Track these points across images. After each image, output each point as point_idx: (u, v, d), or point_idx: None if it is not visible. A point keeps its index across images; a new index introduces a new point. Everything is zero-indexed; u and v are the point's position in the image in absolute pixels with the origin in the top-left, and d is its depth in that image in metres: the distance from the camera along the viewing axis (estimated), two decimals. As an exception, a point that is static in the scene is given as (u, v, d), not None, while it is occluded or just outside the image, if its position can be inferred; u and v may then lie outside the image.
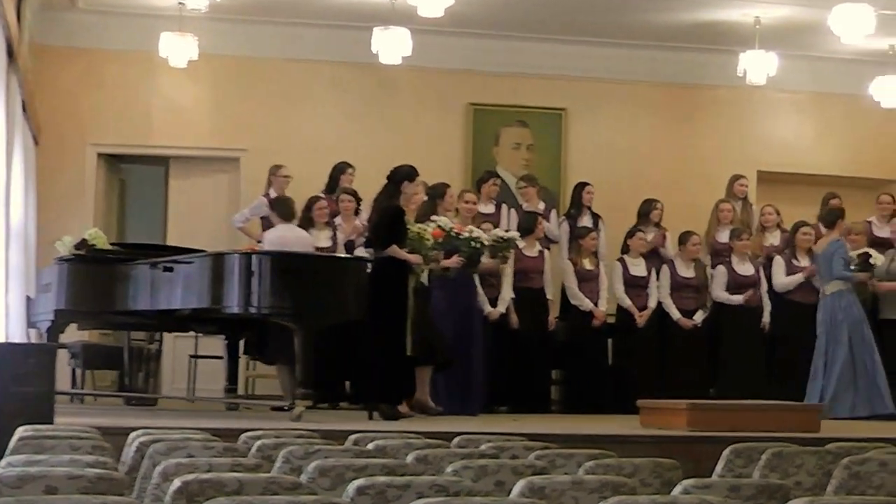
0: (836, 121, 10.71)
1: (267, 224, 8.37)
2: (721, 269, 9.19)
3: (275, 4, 9.57)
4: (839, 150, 10.71)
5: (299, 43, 9.94)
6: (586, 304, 8.93)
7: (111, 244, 8.21)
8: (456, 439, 4.68)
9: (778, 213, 9.66)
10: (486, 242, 8.13)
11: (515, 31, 9.95)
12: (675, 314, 9.05)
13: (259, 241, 8.10)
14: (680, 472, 3.72)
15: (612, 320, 9.12)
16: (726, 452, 4.24)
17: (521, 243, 8.74)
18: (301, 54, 9.95)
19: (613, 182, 9.91)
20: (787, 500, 3.06)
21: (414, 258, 7.33)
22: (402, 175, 7.44)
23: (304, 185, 9.08)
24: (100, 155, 9.86)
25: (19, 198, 7.73)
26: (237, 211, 9.34)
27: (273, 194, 9.00)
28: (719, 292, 9.14)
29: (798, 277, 9.09)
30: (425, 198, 8.11)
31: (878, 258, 8.98)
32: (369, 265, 7.31)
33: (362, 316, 7.02)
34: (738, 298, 9.07)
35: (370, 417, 7.17)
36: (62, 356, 8.03)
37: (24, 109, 7.92)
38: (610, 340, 9.20)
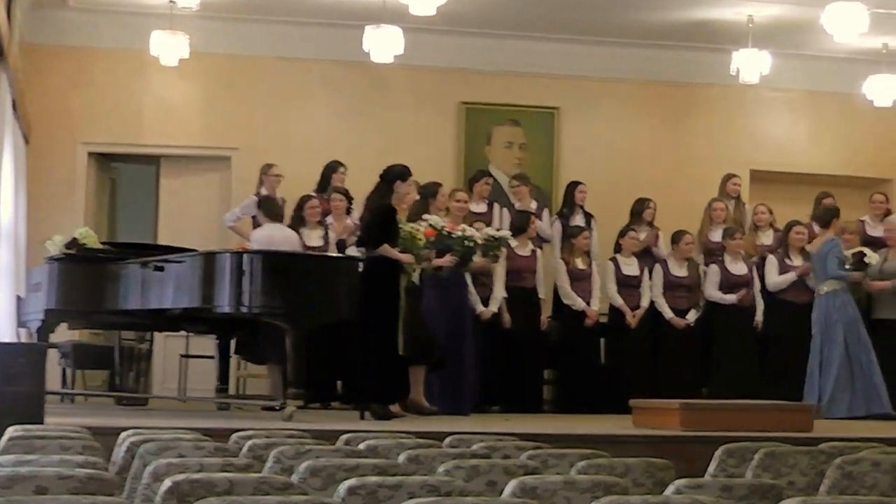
0: (830, 120, 10.71)
1: (257, 224, 8.35)
2: (714, 268, 9.19)
3: (266, 3, 9.55)
4: (832, 150, 10.71)
5: (291, 42, 9.91)
6: (578, 303, 8.93)
7: (102, 243, 8.17)
8: (448, 439, 4.67)
9: (771, 213, 9.66)
10: (479, 241, 8.12)
11: (508, 29, 9.94)
12: (668, 313, 9.05)
13: (250, 241, 8.08)
14: (672, 472, 3.71)
15: (604, 320, 9.12)
16: (719, 452, 4.23)
17: (513, 242, 8.73)
18: (293, 53, 9.93)
19: (606, 181, 9.90)
20: (780, 500, 3.05)
21: (405, 257, 7.32)
22: (394, 174, 7.42)
23: (295, 184, 9.07)
24: (90, 154, 9.84)
25: (9, 197, 7.71)
26: (228, 210, 9.32)
27: (264, 193, 8.99)
28: (712, 291, 9.13)
29: (791, 276, 9.09)
30: (417, 197, 8.10)
31: (872, 257, 8.98)
32: (361, 264, 7.29)
33: (354, 315, 7.01)
34: (731, 298, 9.06)
35: (362, 417, 7.15)
36: (52, 356, 8.00)
37: (14, 108, 7.90)
38: (602, 340, 9.19)
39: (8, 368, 5.73)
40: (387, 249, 7.23)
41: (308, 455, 3.72)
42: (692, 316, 9.09)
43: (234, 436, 4.61)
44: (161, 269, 7.10)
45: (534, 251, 8.94)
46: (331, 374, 8.00)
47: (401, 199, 7.48)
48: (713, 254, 9.35)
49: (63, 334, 8.47)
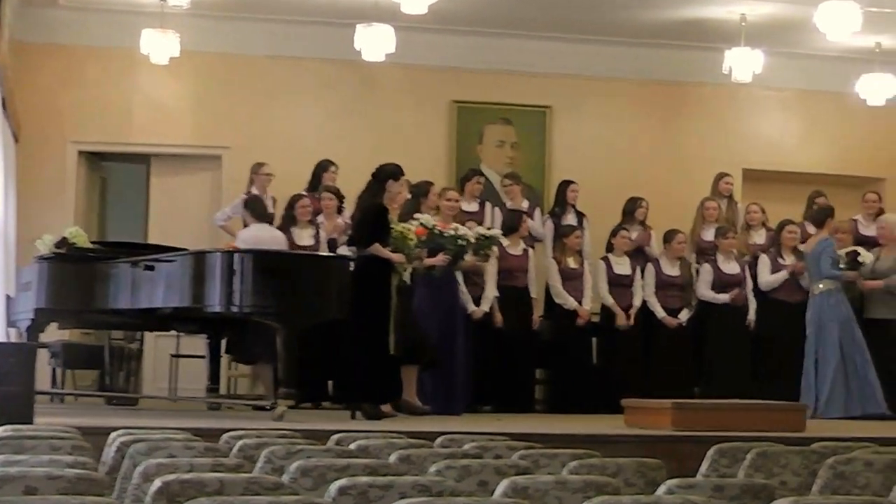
0: (822, 119, 10.71)
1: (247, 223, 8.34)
2: (707, 267, 9.18)
3: (257, 1, 9.53)
4: (825, 149, 10.72)
5: (282, 40, 9.89)
6: (570, 302, 8.92)
7: (92, 242, 8.15)
8: (439, 439, 4.66)
9: (763, 212, 9.66)
10: (471, 240, 8.11)
11: (499, 28, 9.92)
12: (660, 313, 9.04)
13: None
14: (664, 472, 3.70)
15: (596, 319, 9.11)
16: (711, 452, 4.23)
17: (505, 242, 8.72)
18: (284, 51, 9.90)
19: (598, 180, 9.89)
20: (772, 499, 3.04)
21: (397, 257, 7.30)
22: (386, 173, 7.41)
23: (286, 183, 9.05)
24: (80, 152, 9.81)
25: (-1, 196, 7.68)
26: (219, 209, 9.29)
27: (255, 192, 8.96)
28: (704, 291, 9.13)
29: (783, 275, 9.09)
30: (409, 196, 8.08)
31: (866, 256, 8.99)
32: (352, 263, 7.27)
33: (345, 315, 6.99)
34: (723, 297, 9.06)
35: (353, 417, 7.13)
36: (42, 356, 7.97)
37: (3, 107, 7.87)
38: (594, 339, 9.18)
39: (-2, 368, 5.71)
40: (378, 249, 7.22)
41: (299, 455, 3.71)
42: (684, 315, 9.09)
43: (225, 436, 4.59)
44: (151, 268, 7.07)
45: (525, 250, 8.92)
46: (322, 373, 7.97)
47: (392, 198, 7.46)
48: (705, 253, 9.35)
49: (53, 334, 8.44)
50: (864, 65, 9.84)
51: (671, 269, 9.17)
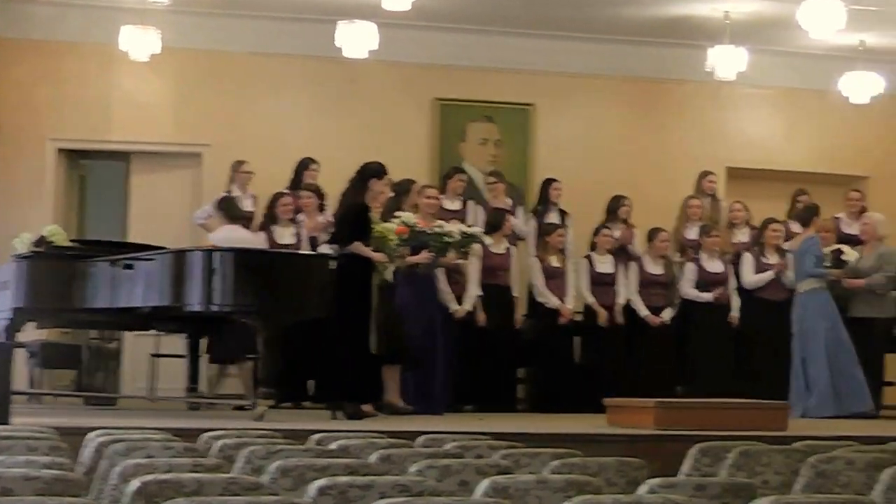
0: (806, 117, 10.72)
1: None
2: (690, 266, 9.18)
3: (239, -2, 9.49)
4: (809, 147, 10.73)
5: (264, 37, 9.84)
6: (552, 301, 8.90)
7: (71, 241, 8.09)
8: (420, 439, 4.64)
9: (747, 210, 9.66)
10: (456, 238, 8.09)
11: (483, 25, 9.90)
12: (643, 311, 9.03)
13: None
14: (645, 471, 3.69)
15: (579, 318, 9.09)
16: (693, 451, 4.22)
17: (487, 240, 8.70)
18: (265, 48, 9.85)
19: (581, 178, 9.87)
20: (753, 498, 3.03)
21: (378, 256, 7.27)
22: (370, 172, 7.39)
23: (268, 181, 9.00)
24: (59, 150, 9.74)
25: (-24, 194, 7.61)
26: (199, 207, 9.24)
27: (235, 191, 8.92)
28: (688, 289, 9.13)
29: (768, 275, 9.09)
30: (392, 194, 8.05)
31: (850, 254, 9.01)
32: (334, 262, 7.24)
33: (327, 313, 6.95)
34: (707, 296, 9.06)
35: (333, 417, 7.10)
36: (20, 355, 7.90)
37: (-20, 103, 7.79)
38: (577, 338, 9.16)
39: (-26, 368, 5.65)
40: (358, 247, 7.19)
41: (279, 455, 3.70)
42: (667, 314, 9.08)
43: (204, 436, 4.57)
44: (131, 267, 7.03)
45: (508, 249, 8.90)
46: (302, 373, 7.94)
47: (375, 196, 7.44)
48: (689, 251, 9.35)
49: (30, 333, 8.37)
50: (848, 62, 9.85)
51: (654, 268, 9.16)
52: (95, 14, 9.39)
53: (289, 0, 9.40)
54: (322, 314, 6.96)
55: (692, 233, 9.41)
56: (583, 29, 9.98)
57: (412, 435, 4.79)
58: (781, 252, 9.16)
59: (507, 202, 9.42)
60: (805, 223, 9.01)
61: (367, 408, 7.17)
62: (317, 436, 4.63)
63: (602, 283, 9.05)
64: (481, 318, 8.56)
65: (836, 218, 9.67)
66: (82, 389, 8.71)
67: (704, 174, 9.83)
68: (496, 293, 8.69)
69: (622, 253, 9.30)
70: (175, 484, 2.97)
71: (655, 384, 8.23)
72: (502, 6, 9.57)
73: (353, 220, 7.29)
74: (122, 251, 7.49)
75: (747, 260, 9.18)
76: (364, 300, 7.18)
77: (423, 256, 7.90)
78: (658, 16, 9.63)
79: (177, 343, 8.42)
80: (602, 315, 8.95)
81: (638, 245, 9.41)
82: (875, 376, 8.85)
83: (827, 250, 8.92)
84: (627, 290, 9.07)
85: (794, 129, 10.74)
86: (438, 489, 3.15)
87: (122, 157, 10.04)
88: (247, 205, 8.97)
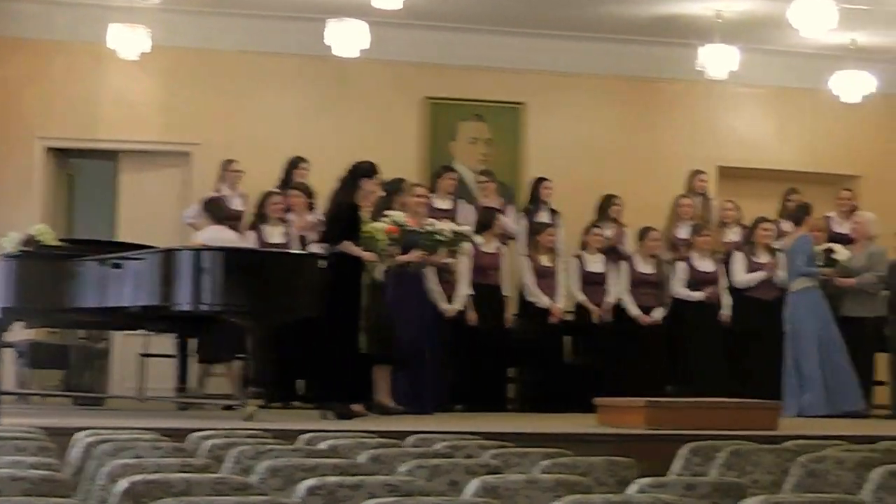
0: (797, 116, 10.73)
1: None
2: (681, 265, 9.18)
3: (228, -4, 9.46)
4: (800, 146, 10.73)
5: (254, 35, 9.81)
6: (543, 300, 8.89)
7: (59, 240, 8.06)
8: (410, 438, 4.63)
9: (738, 209, 9.67)
10: (447, 236, 8.08)
11: (473, 23, 9.89)
12: (634, 311, 9.03)
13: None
14: (635, 471, 3.68)
15: (570, 317, 9.08)
16: (683, 451, 4.22)
17: (478, 239, 8.69)
18: (255, 47, 9.83)
19: (572, 177, 9.86)
20: (743, 498, 3.02)
21: (368, 255, 7.26)
22: (361, 171, 7.38)
23: (257, 180, 8.98)
24: (47, 149, 9.70)
25: (-36, 193, 7.58)
26: (189, 206, 9.21)
27: (225, 190, 8.90)
28: (679, 289, 9.12)
29: (760, 274, 9.09)
30: (383, 193, 8.03)
31: (841, 253, 9.02)
32: (324, 261, 7.22)
33: (318, 312, 6.93)
34: (698, 295, 9.06)
35: (323, 417, 7.08)
36: (8, 355, 7.87)
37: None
38: (567, 338, 9.15)
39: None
40: (348, 246, 7.17)
41: (268, 455, 3.69)
42: (658, 313, 9.08)
43: (193, 436, 4.55)
44: (119, 266, 7.00)
45: (499, 248, 8.89)
46: (292, 372, 7.92)
47: (365, 196, 7.43)
48: (679, 250, 9.35)
49: (18, 333, 8.34)
50: (839, 62, 9.86)
51: (645, 267, 9.16)
52: (84, 12, 9.35)
53: (279, -2, 9.38)
54: (312, 314, 6.93)
55: (683, 232, 9.40)
56: (574, 28, 9.97)
57: (402, 435, 4.78)
58: (772, 251, 9.17)
59: (497, 201, 9.41)
60: (798, 222, 9.02)
61: (356, 408, 7.15)
62: (306, 436, 4.62)
63: (593, 283, 9.04)
64: (472, 317, 8.54)
65: (827, 217, 9.68)
66: (70, 389, 8.67)
67: (695, 173, 9.83)
68: (487, 292, 8.67)
69: (613, 252, 9.30)
70: (163, 484, 2.95)
71: (646, 384, 8.22)
72: (493, 5, 9.56)
73: (343, 219, 7.28)
74: (111, 250, 7.46)
75: (738, 259, 9.18)
76: (354, 300, 7.17)
77: (415, 255, 7.89)
78: (649, 14, 9.63)
79: (166, 343, 8.39)
80: (595, 312, 8.94)
81: (629, 244, 9.41)
82: (865, 376, 8.86)
83: (818, 249, 8.93)
84: (618, 290, 9.06)
85: (785, 128, 10.75)
86: (428, 489, 3.13)
87: (111, 155, 10.01)
88: (236, 204, 8.95)
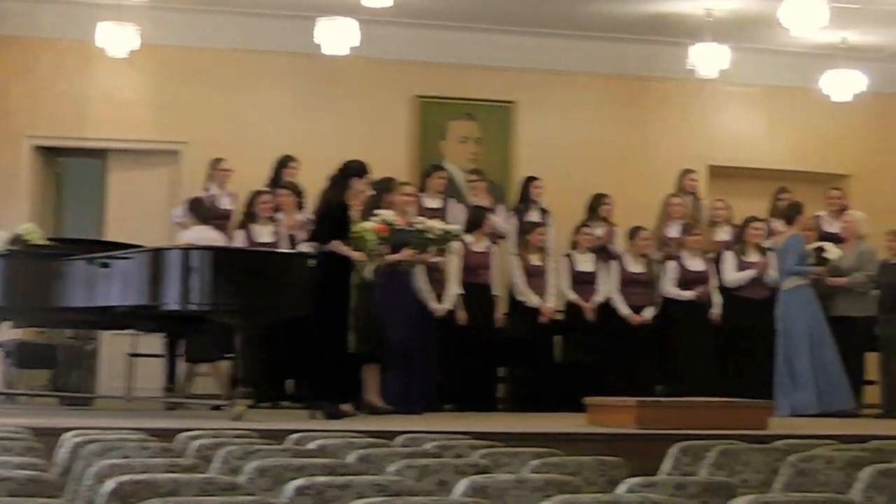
0: (788, 115, 10.73)
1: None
2: (672, 264, 9.17)
3: (218, -6, 9.43)
4: (790, 145, 10.74)
5: (243, 33, 9.79)
6: (532, 300, 8.88)
7: (47, 239, 8.02)
8: (399, 438, 4.62)
9: (728, 208, 9.67)
10: (437, 234, 8.07)
11: (463, 21, 9.87)
12: (624, 310, 9.02)
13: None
14: (625, 470, 3.67)
15: (560, 317, 9.08)
16: (673, 450, 4.21)
17: (468, 238, 8.68)
18: (245, 45, 9.80)
19: (562, 176, 9.85)
20: (733, 497, 3.01)
21: (357, 255, 7.24)
22: (352, 170, 7.36)
23: (247, 178, 8.95)
24: (35, 147, 9.66)
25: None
26: (177, 206, 9.17)
27: (214, 189, 8.87)
28: (669, 288, 9.12)
29: (749, 273, 9.09)
30: (373, 192, 8.02)
31: (833, 251, 9.03)
32: (313, 260, 7.20)
33: (307, 311, 6.91)
34: (688, 294, 9.05)
35: (312, 416, 7.06)
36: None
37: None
38: (557, 337, 9.15)
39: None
40: (337, 245, 7.16)
41: (256, 455, 3.67)
42: (649, 313, 9.07)
43: (181, 436, 4.54)
44: (107, 265, 6.97)
45: (489, 247, 8.88)
46: (281, 372, 7.89)
47: (355, 195, 7.41)
48: (670, 249, 9.34)
49: (5, 333, 8.30)
50: (830, 60, 9.87)
51: (635, 266, 9.15)
52: (72, 10, 9.32)
53: (269, -4, 9.36)
54: (301, 313, 6.91)
55: (673, 231, 9.40)
56: (564, 26, 9.96)
57: (391, 435, 4.77)
58: (763, 250, 9.17)
59: (487, 200, 9.40)
60: (789, 221, 9.02)
61: (346, 407, 7.14)
62: (295, 436, 4.61)
63: (583, 282, 9.03)
64: (461, 316, 8.53)
65: (817, 216, 9.69)
66: (58, 389, 8.63)
67: (686, 172, 9.83)
68: (476, 292, 8.66)
69: (603, 251, 9.29)
70: (151, 484, 2.94)
71: (636, 383, 8.22)
72: (483, 4, 9.55)
73: (332, 218, 7.26)
74: (99, 250, 7.42)
75: (728, 258, 9.18)
76: (343, 299, 7.15)
77: (406, 254, 7.87)
78: (640, 13, 9.63)
79: (154, 342, 8.36)
80: (587, 309, 8.93)
81: (619, 243, 9.40)
82: (856, 375, 8.87)
83: (809, 247, 8.94)
84: (608, 289, 9.06)
85: (775, 127, 10.76)
86: (417, 489, 3.12)
87: (100, 154, 9.98)
88: (225, 203, 8.93)
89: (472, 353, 8.53)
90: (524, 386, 8.98)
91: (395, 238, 7.79)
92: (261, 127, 9.73)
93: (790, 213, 9.07)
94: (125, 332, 8.34)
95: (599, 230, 9.34)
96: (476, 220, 8.86)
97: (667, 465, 4.19)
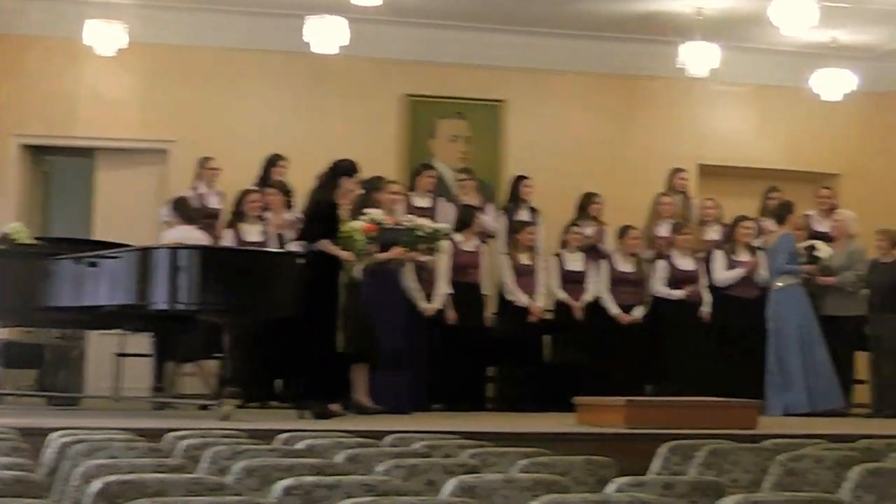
0: (778, 114, 10.74)
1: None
2: (661, 263, 9.17)
3: (207, -8, 9.41)
4: (780, 144, 10.75)
5: (232, 32, 9.76)
6: (522, 299, 8.87)
7: (35, 238, 7.99)
8: (388, 438, 4.61)
9: (718, 207, 9.67)
10: (427, 233, 8.05)
11: (453, 20, 9.86)
12: (614, 309, 9.02)
13: None
14: (614, 470, 3.66)
15: (549, 316, 9.07)
16: (663, 450, 4.21)
17: (457, 237, 8.67)
18: (233, 43, 9.78)
19: (552, 175, 9.85)
20: (722, 496, 3.01)
21: (345, 255, 7.22)
22: (342, 170, 7.35)
23: (235, 177, 8.92)
24: (22, 146, 9.63)
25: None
26: (165, 204, 9.14)
27: (202, 188, 8.85)
28: (659, 287, 9.12)
29: (738, 272, 9.09)
30: (362, 191, 8.00)
31: (823, 250, 9.04)
32: (302, 259, 7.18)
33: (296, 311, 6.89)
34: (678, 293, 9.05)
35: (300, 416, 7.04)
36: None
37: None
38: (547, 336, 9.14)
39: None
40: (325, 245, 7.14)
41: (244, 455, 3.66)
42: (638, 312, 9.07)
43: (169, 436, 4.52)
44: (95, 264, 6.94)
45: (478, 246, 8.87)
46: (269, 372, 7.87)
47: (345, 194, 7.39)
48: (660, 248, 9.34)
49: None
50: (820, 59, 9.88)
51: (625, 266, 9.15)
52: (60, 7, 9.28)
53: (258, -5, 9.34)
54: (291, 312, 6.89)
55: (663, 230, 9.40)
56: (554, 25, 9.96)
57: (380, 434, 4.76)
58: (753, 250, 9.18)
59: (477, 199, 9.38)
60: (780, 220, 9.03)
61: (334, 407, 7.12)
62: (283, 435, 4.60)
63: (572, 281, 9.03)
64: (451, 316, 8.51)
65: (807, 215, 9.70)
66: (45, 389, 8.59)
67: (676, 171, 9.83)
68: (466, 291, 8.65)
69: (593, 251, 9.28)
70: (138, 484, 2.93)
71: (626, 382, 8.21)
72: (473, 2, 9.54)
73: (321, 217, 7.24)
74: (87, 249, 7.39)
75: (718, 257, 9.18)
76: (331, 298, 7.13)
77: (396, 253, 7.85)
78: (630, 11, 9.63)
79: (142, 342, 8.33)
80: (576, 309, 8.92)
81: (609, 243, 9.40)
82: (846, 374, 8.89)
83: (800, 246, 8.95)
84: (598, 288, 9.05)
85: (765, 126, 10.77)
86: (405, 489, 3.11)
87: (87, 153, 9.94)
88: (214, 202, 8.91)
89: (461, 352, 8.52)
90: (513, 385, 8.98)
91: (385, 237, 7.77)
92: (249, 126, 9.71)
93: (780, 212, 9.07)
94: (113, 331, 8.31)
95: (589, 229, 9.34)
96: (465, 219, 8.84)
97: (656, 464, 4.19)
